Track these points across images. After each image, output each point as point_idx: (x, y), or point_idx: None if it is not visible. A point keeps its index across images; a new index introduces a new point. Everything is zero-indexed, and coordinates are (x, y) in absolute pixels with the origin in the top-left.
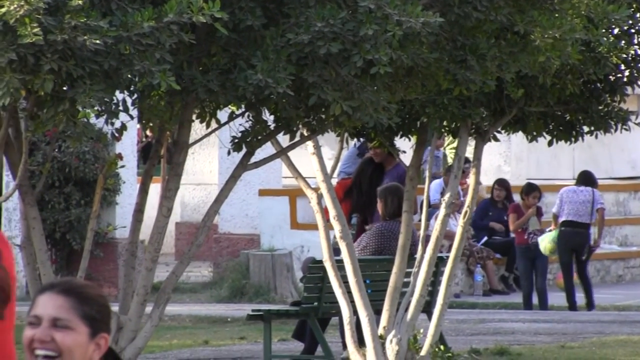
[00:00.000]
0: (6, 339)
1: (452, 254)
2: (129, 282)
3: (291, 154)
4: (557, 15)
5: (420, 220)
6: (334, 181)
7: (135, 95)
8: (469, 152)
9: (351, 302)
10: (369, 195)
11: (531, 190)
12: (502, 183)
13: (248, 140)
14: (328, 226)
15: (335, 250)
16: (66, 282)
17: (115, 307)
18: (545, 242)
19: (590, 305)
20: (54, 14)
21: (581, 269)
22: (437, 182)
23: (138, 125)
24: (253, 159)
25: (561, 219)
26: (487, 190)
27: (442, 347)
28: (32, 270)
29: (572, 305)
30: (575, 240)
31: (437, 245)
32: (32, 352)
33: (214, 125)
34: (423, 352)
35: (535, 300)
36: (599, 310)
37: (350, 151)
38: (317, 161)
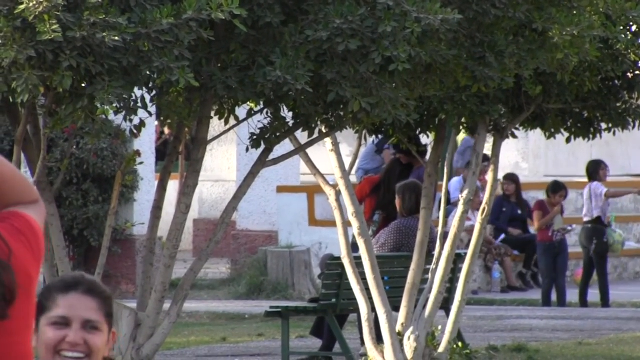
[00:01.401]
0: (12, 342)
1: (470, 251)
2: (147, 279)
3: (309, 150)
4: (575, 12)
5: (438, 217)
6: (352, 178)
7: (154, 92)
8: (487, 149)
9: (369, 298)
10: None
11: (558, 188)
12: (511, 177)
13: (267, 137)
14: (346, 223)
15: (353, 247)
16: (86, 281)
17: (133, 304)
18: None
19: (604, 302)
20: (72, 11)
21: (598, 267)
22: (457, 180)
23: (156, 122)
24: (271, 156)
25: (585, 219)
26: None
27: (460, 343)
28: (51, 267)
29: (583, 302)
30: (583, 239)
31: (455, 242)
32: (58, 353)
33: (232, 122)
34: (441, 349)
35: (554, 297)
36: (616, 307)
37: (368, 148)
38: (336, 158)
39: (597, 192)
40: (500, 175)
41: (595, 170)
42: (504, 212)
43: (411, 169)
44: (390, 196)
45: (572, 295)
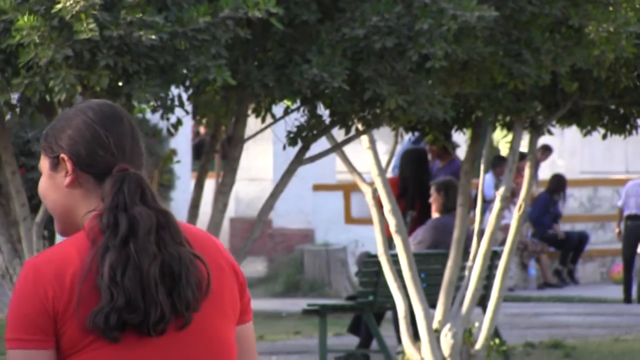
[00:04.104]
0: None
1: (506, 248)
2: None
3: (346, 148)
4: (611, 8)
5: (473, 215)
6: (389, 176)
7: (191, 91)
8: (523, 146)
9: (406, 296)
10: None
11: None
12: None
13: (303, 135)
14: (383, 220)
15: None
16: None
17: None
18: None
19: None
20: (109, 10)
21: None
22: (488, 176)
23: (192, 121)
24: (308, 154)
25: (625, 213)
26: (538, 185)
27: (497, 340)
28: None
29: (628, 299)
30: (638, 233)
31: (491, 239)
32: None
33: (269, 120)
34: (478, 346)
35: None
36: None
37: (404, 146)
38: (372, 156)
39: None
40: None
41: None
42: (550, 212)
43: (426, 163)
44: (423, 191)
45: (609, 291)
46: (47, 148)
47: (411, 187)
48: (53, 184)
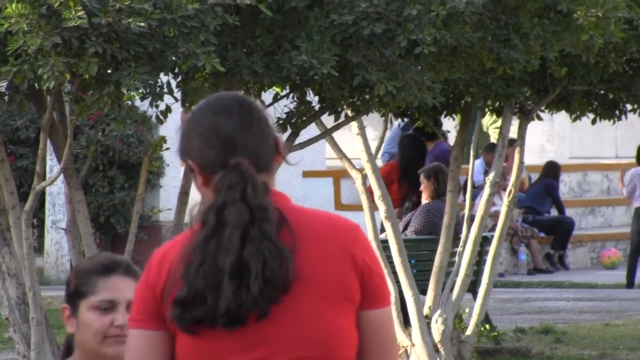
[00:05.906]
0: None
1: (496, 233)
2: None
3: (335, 134)
4: None
5: (463, 200)
6: (379, 162)
7: (180, 78)
8: (512, 132)
9: (396, 282)
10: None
11: None
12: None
13: (293, 121)
14: (373, 207)
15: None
16: (123, 262)
17: None
18: None
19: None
20: None
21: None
22: (478, 162)
23: (182, 109)
24: (297, 140)
25: (635, 205)
26: (528, 170)
27: (487, 326)
28: (78, 254)
29: (631, 283)
30: None
31: (481, 225)
32: (105, 338)
33: None
34: (468, 332)
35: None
36: None
37: (393, 132)
38: (362, 142)
39: None
40: (526, 158)
41: None
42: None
43: (424, 148)
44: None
45: (598, 276)
46: (180, 155)
47: (413, 173)
48: (196, 185)
